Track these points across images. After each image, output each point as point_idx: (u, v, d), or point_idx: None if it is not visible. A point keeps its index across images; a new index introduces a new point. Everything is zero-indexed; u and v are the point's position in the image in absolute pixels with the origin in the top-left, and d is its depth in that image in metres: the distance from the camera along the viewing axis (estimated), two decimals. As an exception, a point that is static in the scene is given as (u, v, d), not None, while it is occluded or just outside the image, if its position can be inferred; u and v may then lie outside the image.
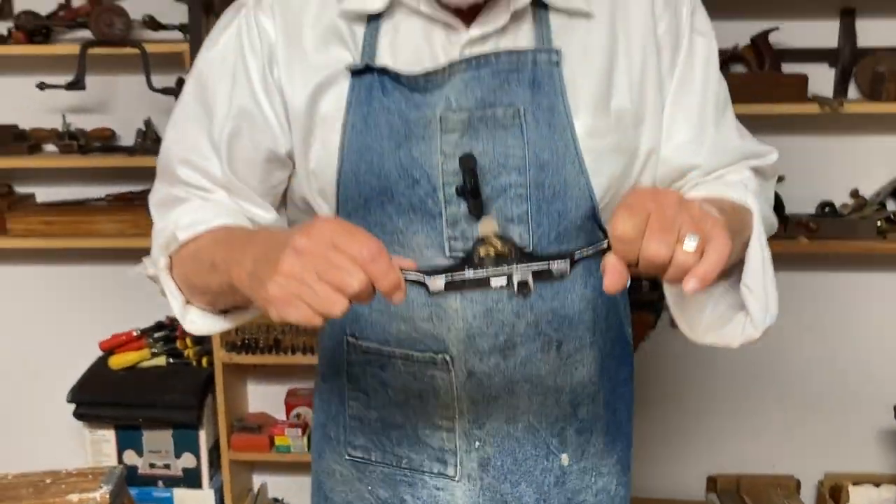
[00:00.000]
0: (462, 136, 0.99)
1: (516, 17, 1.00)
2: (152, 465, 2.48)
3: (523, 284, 0.88)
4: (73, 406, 2.42)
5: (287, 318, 0.78)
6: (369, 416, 1.14)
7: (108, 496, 1.48)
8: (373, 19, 1.01)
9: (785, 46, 2.34)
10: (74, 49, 2.32)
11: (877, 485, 2.46)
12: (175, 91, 2.32)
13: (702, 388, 2.62)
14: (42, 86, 2.32)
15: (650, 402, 2.62)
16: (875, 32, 2.34)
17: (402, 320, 1.06)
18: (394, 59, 1.00)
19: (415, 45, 1.01)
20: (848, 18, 2.32)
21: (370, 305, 1.07)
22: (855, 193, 2.43)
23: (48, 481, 1.62)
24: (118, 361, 2.49)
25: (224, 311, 1.05)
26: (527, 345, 1.06)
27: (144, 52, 2.28)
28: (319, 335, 1.25)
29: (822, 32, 2.36)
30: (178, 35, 2.37)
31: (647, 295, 2.36)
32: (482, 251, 0.94)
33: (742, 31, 2.31)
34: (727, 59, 2.31)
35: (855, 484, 2.47)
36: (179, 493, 2.49)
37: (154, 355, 2.51)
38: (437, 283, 0.85)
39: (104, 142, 2.50)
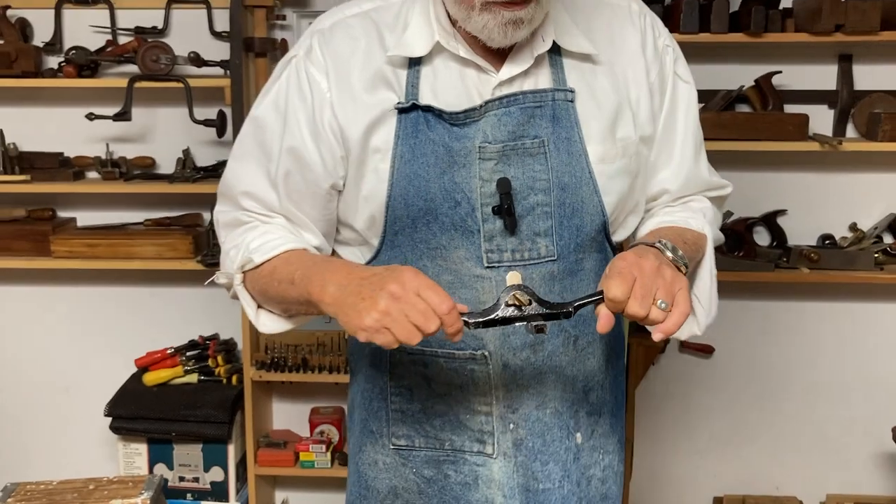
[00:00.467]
0: (497, 163, 1.14)
1: (537, 61, 1.15)
2: (182, 479, 2.57)
3: (540, 328, 1.05)
4: (108, 420, 2.52)
5: (373, 341, 1.01)
6: (412, 408, 1.26)
7: (148, 501, 1.58)
8: (414, 64, 1.16)
9: (787, 88, 2.48)
10: (120, 82, 2.48)
11: (877, 506, 2.55)
12: (215, 123, 2.47)
13: (709, 411, 2.71)
14: (91, 116, 2.47)
15: (660, 425, 2.70)
16: (871, 76, 2.48)
17: None
18: (435, 98, 1.15)
19: (453, 85, 1.16)
20: (846, 63, 2.46)
21: None
22: (854, 227, 2.54)
23: (91, 487, 1.72)
24: (152, 378, 2.60)
25: (290, 315, 1.22)
26: (552, 340, 1.21)
27: (188, 87, 2.43)
28: (355, 342, 1.37)
29: (822, 76, 2.49)
30: (219, 71, 2.50)
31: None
32: (509, 298, 1.05)
33: (747, 74, 2.44)
34: (733, 99, 2.44)
35: (856, 505, 2.56)
36: (207, 506, 2.59)
37: (186, 372, 2.62)
38: (475, 324, 1.05)
39: (144, 169, 2.64)
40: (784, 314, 2.63)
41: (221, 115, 2.50)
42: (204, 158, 2.65)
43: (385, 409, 1.29)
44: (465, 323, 1.03)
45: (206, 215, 2.65)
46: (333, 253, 1.30)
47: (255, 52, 2.48)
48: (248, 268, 1.19)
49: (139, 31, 2.59)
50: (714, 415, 2.71)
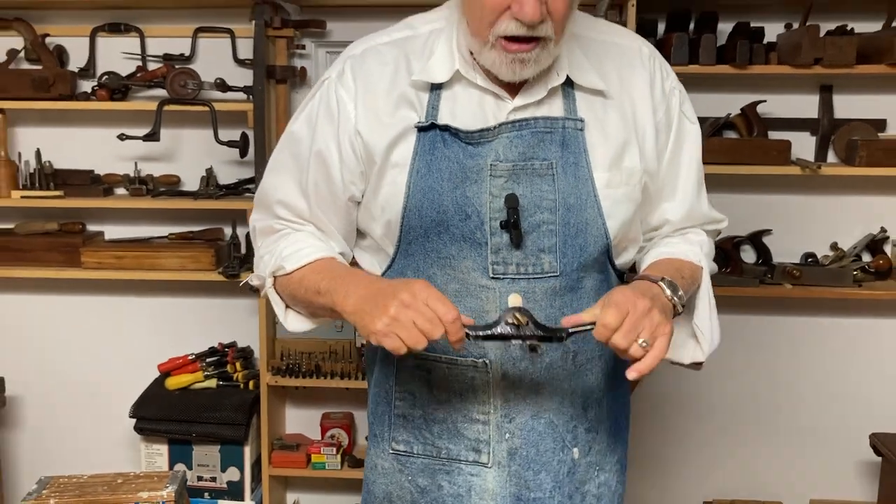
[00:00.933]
0: (507, 181, 1.20)
1: (551, 92, 1.22)
2: (200, 478, 2.68)
3: (533, 348, 1.14)
4: (131, 421, 2.64)
5: (382, 344, 1.09)
6: (414, 413, 1.32)
7: (173, 494, 1.71)
8: (435, 88, 1.23)
9: (772, 116, 2.62)
10: (149, 105, 2.60)
11: (857, 511, 2.65)
12: (238, 144, 2.59)
13: (698, 420, 2.81)
14: (122, 136, 2.60)
15: (650, 432, 2.81)
16: (850, 106, 2.61)
17: None
18: (453, 119, 1.22)
19: (470, 109, 1.23)
20: (826, 93, 2.60)
21: None
22: (834, 246, 2.67)
23: (119, 481, 1.86)
24: (174, 382, 2.71)
25: (315, 316, 1.33)
26: (550, 353, 1.25)
27: (213, 110, 2.56)
28: (370, 349, 1.44)
29: (805, 105, 2.63)
30: (242, 96, 2.62)
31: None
32: (509, 317, 1.12)
33: (734, 103, 2.58)
34: (721, 126, 2.58)
35: (837, 510, 2.66)
36: (223, 505, 2.70)
37: (206, 377, 2.73)
38: (475, 336, 1.14)
39: (170, 187, 2.76)
40: (769, 328, 2.74)
41: (244, 136, 2.62)
42: (226, 177, 2.76)
43: (389, 413, 1.35)
44: (467, 334, 1.10)
45: (228, 230, 2.77)
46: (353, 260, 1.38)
47: (276, 78, 2.59)
48: (279, 274, 1.28)
49: (168, 58, 2.71)
50: (702, 422, 2.80)
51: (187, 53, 2.73)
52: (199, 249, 2.70)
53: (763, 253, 2.67)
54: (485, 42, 1.15)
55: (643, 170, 1.26)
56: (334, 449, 2.71)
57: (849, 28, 2.43)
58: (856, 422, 2.71)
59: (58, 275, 2.72)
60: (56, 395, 2.95)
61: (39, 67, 2.69)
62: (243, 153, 2.64)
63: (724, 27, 2.52)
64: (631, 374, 1.11)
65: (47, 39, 2.72)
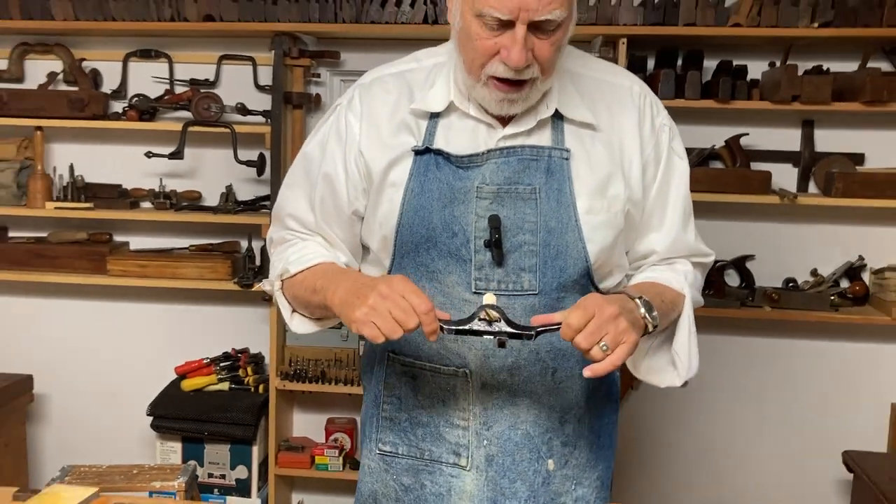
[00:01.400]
0: (492, 203, 1.26)
1: (540, 123, 1.28)
2: (210, 475, 2.83)
3: (502, 343, 1.17)
4: (148, 419, 2.79)
5: (362, 332, 1.14)
6: (400, 416, 1.37)
7: (183, 485, 1.85)
8: (433, 116, 1.30)
9: (757, 148, 2.76)
10: (175, 126, 2.76)
11: (834, 527, 2.73)
12: (255, 164, 2.74)
13: (677, 435, 2.91)
14: (149, 154, 2.76)
15: (638, 445, 2.91)
16: (830, 140, 2.75)
17: (435, 341, 1.23)
18: (447, 145, 1.28)
19: (464, 137, 1.29)
20: (808, 128, 2.75)
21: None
22: (814, 272, 2.79)
23: (135, 472, 2.02)
24: (189, 384, 2.86)
25: (317, 318, 1.41)
26: (529, 368, 1.30)
27: (233, 132, 2.72)
28: (366, 356, 1.50)
29: (788, 138, 2.77)
30: (261, 119, 2.77)
31: (635, 349, 2.74)
32: (482, 314, 1.16)
33: (720, 135, 2.72)
34: (707, 156, 2.72)
35: (815, 525, 2.75)
36: (231, 501, 2.83)
37: (219, 380, 2.88)
38: (449, 330, 1.17)
39: (192, 201, 2.92)
40: (749, 348, 2.86)
41: (261, 157, 2.76)
42: (244, 194, 2.92)
43: (377, 415, 1.40)
44: (441, 328, 1.15)
45: (244, 243, 2.91)
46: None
47: (293, 104, 2.75)
48: (284, 277, 1.36)
49: (193, 83, 2.87)
50: (687, 437, 2.90)
51: (212, 79, 2.89)
52: (217, 260, 2.84)
53: (746, 277, 2.79)
54: (477, 80, 1.22)
55: (627, 199, 1.30)
56: (337, 451, 2.85)
57: (825, 68, 2.58)
58: (830, 440, 2.79)
59: (85, 281, 2.88)
60: (80, 393, 3.10)
61: (76, 89, 2.87)
62: (260, 172, 2.78)
63: (711, 64, 2.67)
64: (586, 372, 1.14)
65: (84, 63, 2.90)
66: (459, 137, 1.29)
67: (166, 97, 2.87)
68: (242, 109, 2.75)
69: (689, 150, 2.66)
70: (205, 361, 2.92)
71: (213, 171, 2.95)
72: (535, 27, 1.16)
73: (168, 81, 2.91)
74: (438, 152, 1.28)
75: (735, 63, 2.64)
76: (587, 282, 1.31)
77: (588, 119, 1.29)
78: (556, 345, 1.30)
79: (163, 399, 2.84)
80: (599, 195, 1.28)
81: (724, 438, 2.91)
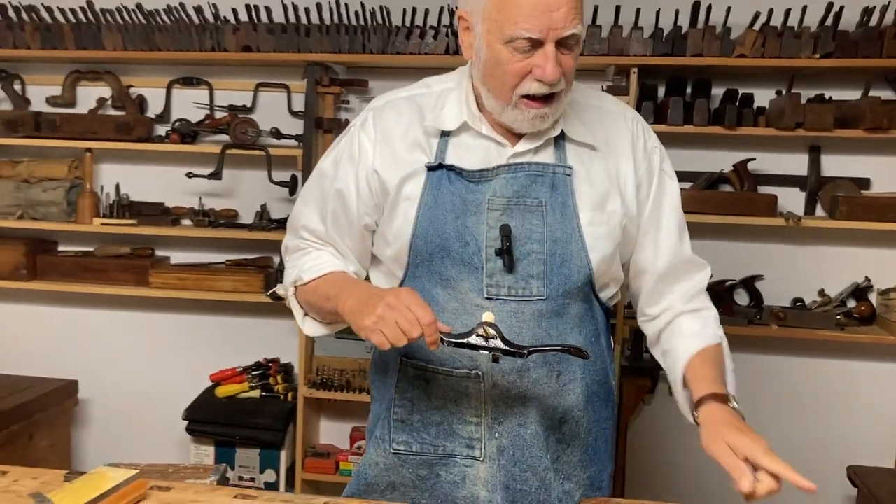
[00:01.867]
0: (502, 214, 1.33)
1: (546, 142, 1.37)
2: (241, 478, 2.95)
3: (495, 358, 1.25)
4: (184, 424, 2.92)
5: (370, 339, 1.22)
6: (412, 418, 1.43)
7: (215, 484, 1.97)
8: (445, 134, 1.38)
9: (765, 172, 2.85)
10: (214, 149, 2.91)
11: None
12: (289, 185, 2.89)
13: (684, 449, 2.82)
14: (190, 175, 2.91)
15: (650, 457, 2.97)
16: (837, 165, 2.83)
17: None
18: (458, 162, 1.36)
19: (475, 154, 1.36)
20: (815, 153, 2.84)
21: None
22: (822, 293, 2.87)
23: (170, 470, 2.15)
24: (223, 391, 2.99)
25: (328, 323, 1.48)
26: (536, 370, 1.37)
27: (268, 154, 2.87)
28: (375, 363, 1.55)
29: (796, 163, 2.86)
30: (294, 143, 2.91)
31: (646, 363, 2.81)
32: (480, 330, 1.23)
33: (728, 160, 2.82)
34: (715, 180, 2.82)
35: (822, 539, 2.79)
36: (260, 503, 2.98)
37: (251, 388, 3.01)
38: (449, 342, 1.24)
39: (229, 219, 3.06)
40: (756, 365, 2.91)
41: (293, 178, 2.91)
42: (277, 212, 3.04)
43: (388, 418, 1.45)
44: (441, 339, 1.22)
45: (277, 258, 3.04)
46: (367, 277, 1.51)
47: (323, 129, 2.88)
48: (298, 284, 1.44)
49: (232, 108, 3.01)
50: (694, 451, 2.87)
51: (249, 105, 3.05)
52: (251, 275, 2.98)
53: (755, 296, 2.88)
54: (507, 102, 1.29)
55: (623, 214, 1.39)
56: (360, 458, 2.97)
57: (827, 97, 2.68)
58: (835, 456, 2.83)
59: (128, 293, 3.02)
60: (121, 398, 3.25)
61: (123, 113, 3.05)
62: (292, 192, 2.92)
63: (718, 92, 2.78)
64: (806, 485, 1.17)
65: (131, 90, 3.08)
66: (470, 155, 1.37)
67: (206, 122, 3.02)
68: (277, 133, 2.88)
69: (698, 174, 2.85)
70: (238, 370, 3.04)
71: (248, 191, 3.08)
72: (560, 44, 1.25)
73: (208, 107, 3.06)
74: (451, 168, 1.35)
75: (742, 91, 2.74)
76: (589, 290, 1.40)
77: (588, 140, 1.39)
78: None
79: (198, 404, 2.97)
80: (599, 209, 1.37)
81: (732, 452, 2.96)
